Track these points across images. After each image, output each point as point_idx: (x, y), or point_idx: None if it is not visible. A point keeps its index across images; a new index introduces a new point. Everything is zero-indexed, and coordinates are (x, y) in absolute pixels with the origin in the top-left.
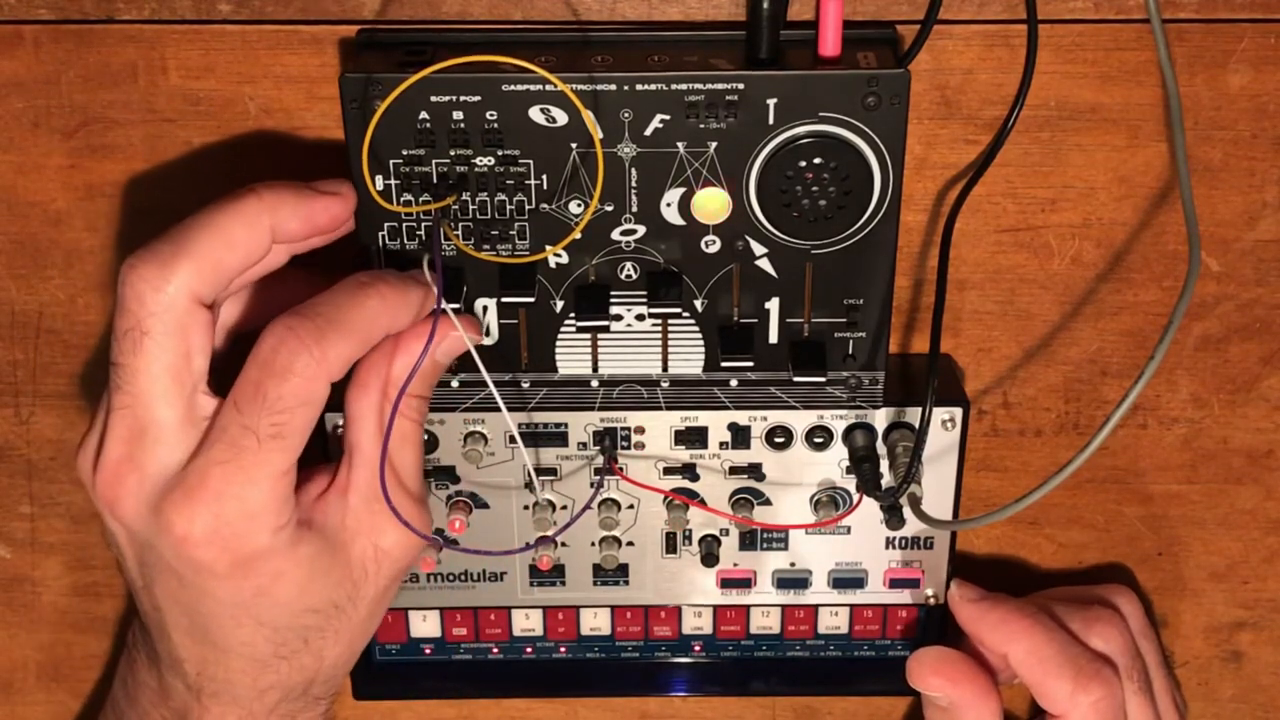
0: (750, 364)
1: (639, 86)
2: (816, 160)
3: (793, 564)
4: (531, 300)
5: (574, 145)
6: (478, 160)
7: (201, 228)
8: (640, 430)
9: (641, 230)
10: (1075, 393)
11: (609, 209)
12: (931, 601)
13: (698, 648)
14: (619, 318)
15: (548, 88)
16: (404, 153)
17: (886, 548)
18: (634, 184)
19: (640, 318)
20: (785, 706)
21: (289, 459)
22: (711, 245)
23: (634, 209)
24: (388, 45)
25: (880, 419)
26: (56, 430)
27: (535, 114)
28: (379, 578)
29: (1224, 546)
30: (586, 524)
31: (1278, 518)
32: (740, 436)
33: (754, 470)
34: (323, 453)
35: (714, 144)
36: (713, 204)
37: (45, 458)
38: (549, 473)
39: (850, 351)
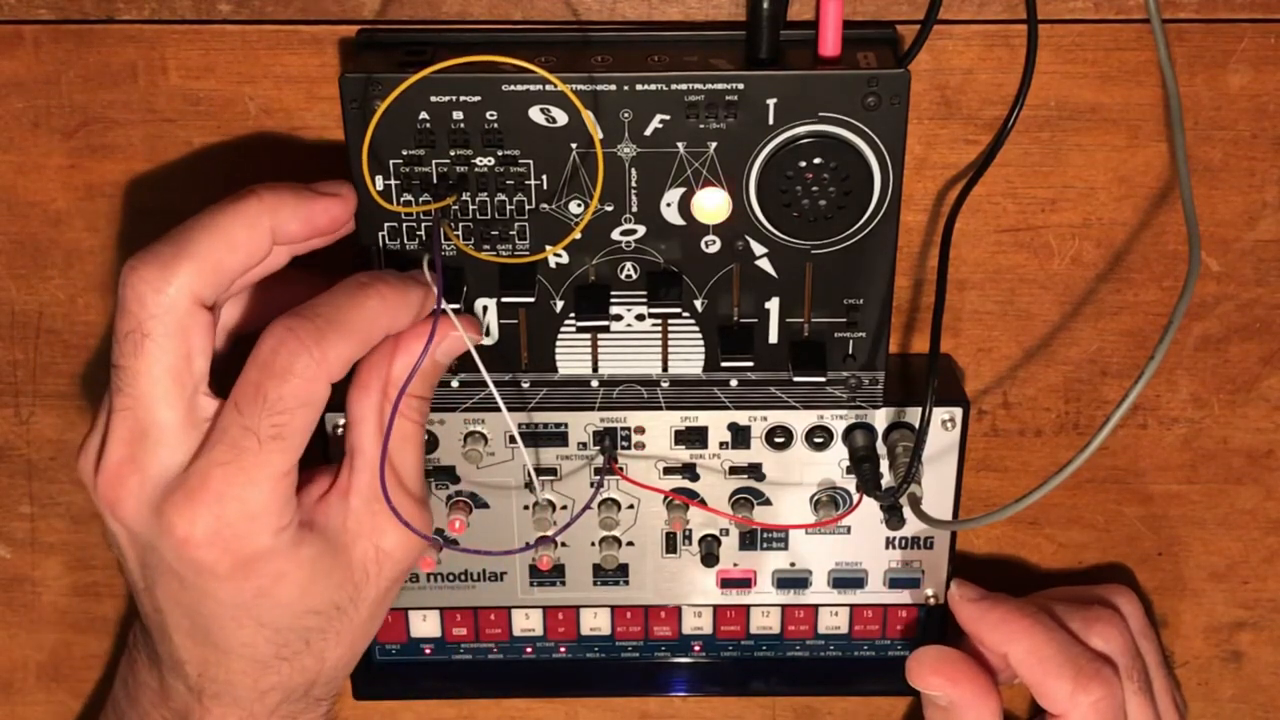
0: (750, 364)
1: (639, 86)
2: (816, 160)
3: (793, 564)
4: (531, 300)
5: (574, 145)
6: (478, 160)
7: (202, 229)
8: (640, 430)
9: (641, 230)
10: (1075, 393)
11: (609, 209)
12: (931, 601)
13: (698, 648)
14: (619, 318)
15: (548, 88)
16: (404, 153)
17: (886, 548)
18: (634, 184)
19: (640, 318)
20: (785, 706)
21: (290, 460)
22: (711, 245)
23: (634, 209)
24: (388, 45)
25: (880, 419)
26: (56, 430)
27: (535, 114)
28: (380, 579)
29: (1224, 546)
30: (586, 524)
31: (1278, 518)
32: (740, 436)
33: (754, 470)
34: (323, 454)
35: (714, 144)
36: (713, 204)
37: (45, 458)
38: (549, 473)
39: (850, 351)
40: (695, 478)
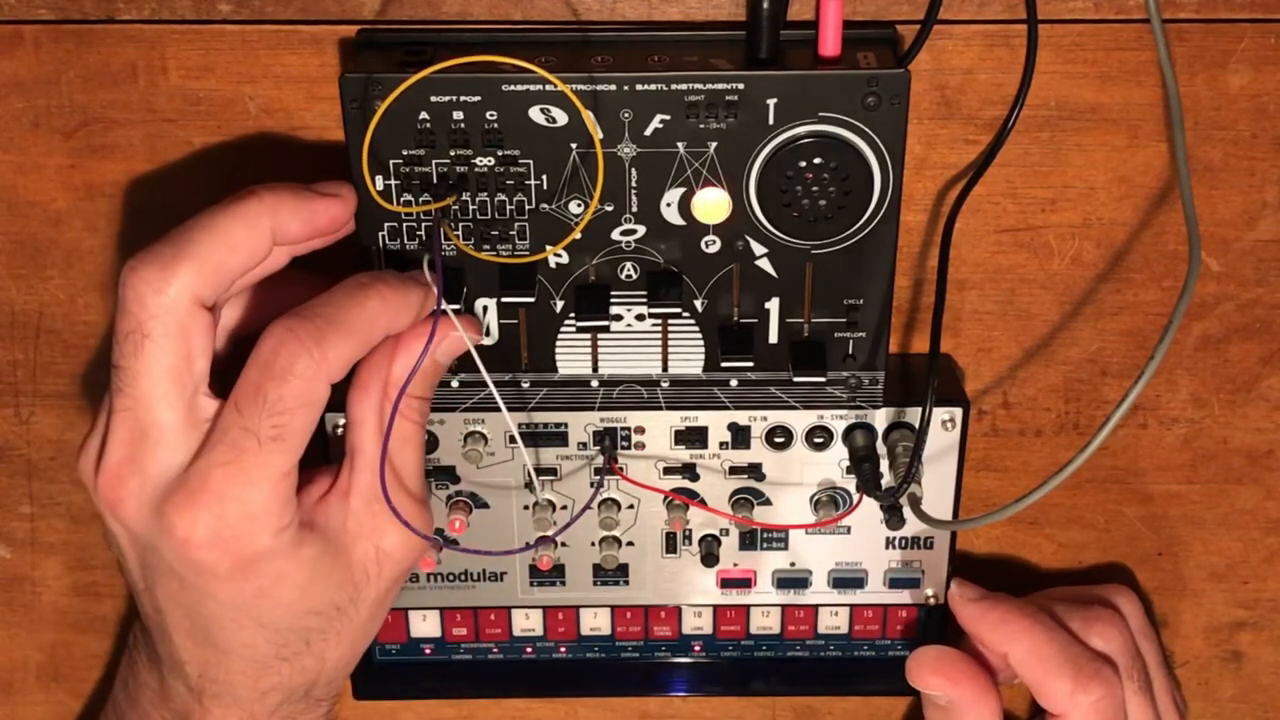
0: (750, 364)
1: (639, 86)
2: (816, 160)
3: (793, 564)
4: (531, 300)
5: (574, 145)
6: (478, 160)
7: (202, 230)
8: (640, 430)
9: (641, 230)
10: (1075, 393)
11: (609, 209)
12: (931, 601)
13: (698, 648)
14: (619, 318)
15: (548, 88)
16: (404, 153)
17: (886, 548)
18: (634, 184)
19: (640, 318)
20: (785, 706)
21: (290, 460)
22: (711, 245)
23: (634, 209)
24: (388, 45)
25: (880, 419)
26: (56, 430)
27: (535, 114)
28: (380, 579)
29: (1224, 546)
30: (586, 524)
31: (1278, 518)
32: (740, 436)
33: (754, 470)
34: (323, 454)
35: (714, 144)
36: (713, 204)
37: (45, 458)
38: (549, 473)
39: (850, 351)
40: (695, 478)
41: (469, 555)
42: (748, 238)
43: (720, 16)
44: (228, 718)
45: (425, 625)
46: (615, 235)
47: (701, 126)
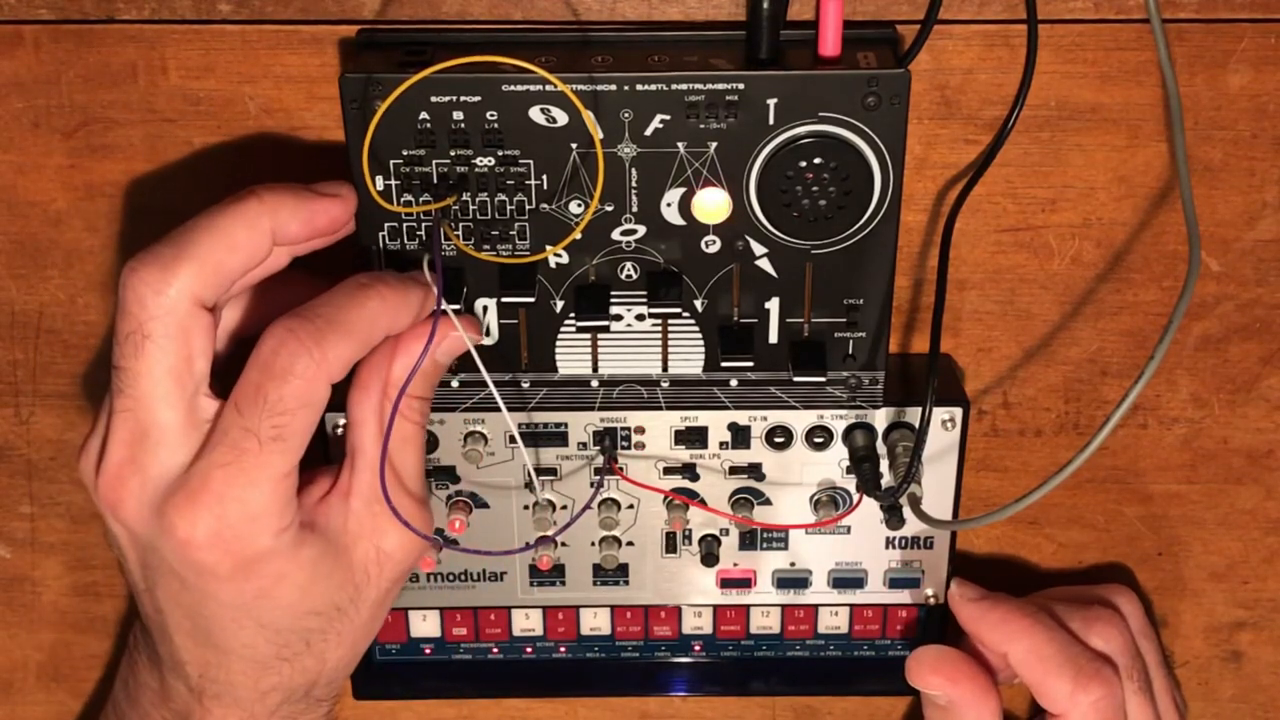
0: (750, 364)
1: (639, 86)
2: (816, 160)
3: (793, 564)
4: (531, 300)
5: (574, 145)
6: (478, 160)
7: (202, 230)
8: (640, 430)
9: (641, 230)
10: (1075, 393)
11: (609, 209)
12: (931, 601)
13: (698, 648)
14: (619, 318)
15: (548, 88)
16: (404, 153)
17: (886, 548)
18: (634, 184)
19: (640, 318)
20: (785, 706)
21: (290, 461)
22: (711, 245)
23: (634, 209)
24: (388, 45)
25: (880, 419)
26: (56, 430)
27: (535, 114)
28: (381, 580)
29: (1224, 546)
30: (586, 524)
31: (1278, 518)
32: (740, 436)
33: (754, 470)
34: (324, 454)
35: (714, 144)
36: (713, 204)
37: (45, 458)
38: (549, 473)
39: (850, 351)
40: (695, 478)
41: (469, 555)
42: (748, 238)
43: (720, 16)
44: (228, 718)
45: (425, 625)
46: (615, 235)
47: (702, 126)
